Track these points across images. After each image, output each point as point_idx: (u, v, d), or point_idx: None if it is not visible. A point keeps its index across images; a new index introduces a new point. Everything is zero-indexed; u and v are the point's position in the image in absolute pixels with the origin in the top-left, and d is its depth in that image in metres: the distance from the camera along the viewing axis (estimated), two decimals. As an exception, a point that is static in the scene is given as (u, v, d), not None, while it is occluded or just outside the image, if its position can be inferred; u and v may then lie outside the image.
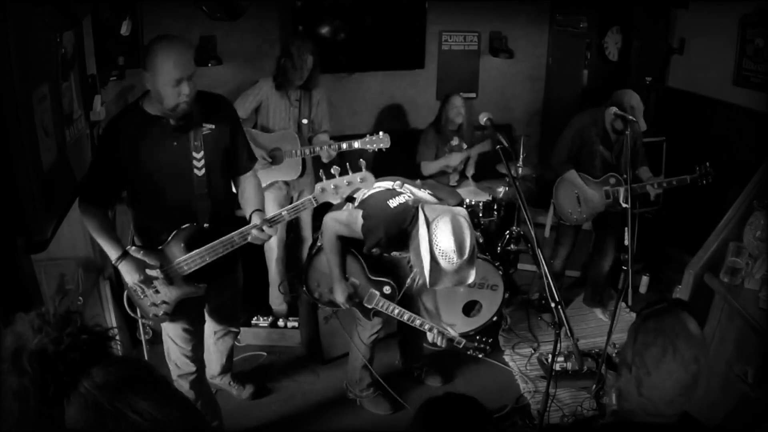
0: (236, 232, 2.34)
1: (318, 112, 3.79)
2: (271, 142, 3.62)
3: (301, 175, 3.75)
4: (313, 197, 2.32)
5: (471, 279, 2.49)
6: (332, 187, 2.28)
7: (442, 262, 2.40)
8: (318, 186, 2.30)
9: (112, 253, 2.35)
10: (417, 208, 2.53)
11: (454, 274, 2.43)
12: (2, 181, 1.96)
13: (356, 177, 2.29)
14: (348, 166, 2.36)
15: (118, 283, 3.12)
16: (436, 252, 2.40)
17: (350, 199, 2.47)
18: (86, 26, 2.91)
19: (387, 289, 2.88)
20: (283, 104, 3.66)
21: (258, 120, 3.71)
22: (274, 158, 3.60)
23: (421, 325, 2.84)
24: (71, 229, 2.91)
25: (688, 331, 1.48)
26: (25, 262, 2.15)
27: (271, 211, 3.60)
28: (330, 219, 2.76)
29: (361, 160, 2.34)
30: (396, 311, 2.84)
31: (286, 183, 3.76)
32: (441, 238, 2.39)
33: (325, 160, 3.67)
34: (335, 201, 2.35)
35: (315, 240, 3.18)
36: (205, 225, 2.39)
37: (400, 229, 2.56)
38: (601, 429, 1.67)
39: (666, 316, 1.53)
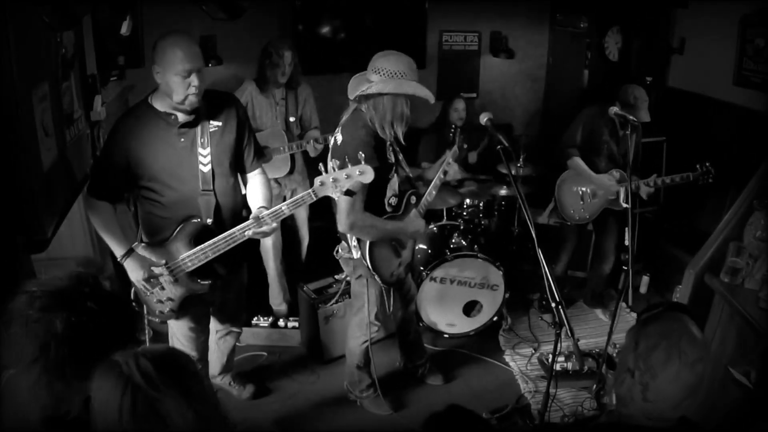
0: (237, 227, 2.34)
1: (306, 109, 3.80)
2: (259, 141, 3.62)
3: (291, 172, 3.75)
4: (313, 191, 2.30)
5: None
6: (331, 180, 2.27)
7: (404, 75, 2.51)
8: (317, 180, 2.28)
9: (118, 250, 2.37)
10: (357, 103, 2.61)
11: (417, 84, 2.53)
12: (2, 181, 1.96)
13: (355, 170, 2.27)
14: (347, 159, 2.35)
15: (118, 283, 3.11)
16: (394, 74, 2.50)
17: (349, 192, 2.42)
18: (86, 26, 2.91)
19: (413, 199, 2.84)
20: (268, 104, 3.67)
21: None
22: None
23: (434, 185, 2.84)
24: (71, 229, 2.91)
25: (690, 332, 1.47)
26: (25, 261, 2.15)
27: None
28: (343, 214, 2.54)
29: (360, 153, 2.33)
30: (429, 197, 2.84)
31: (278, 182, 3.76)
32: (387, 65, 2.52)
33: (312, 155, 3.68)
34: (335, 195, 2.31)
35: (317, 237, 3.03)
36: (209, 221, 2.40)
37: (372, 129, 2.56)
38: (594, 429, 1.67)
39: (666, 319, 1.51)
